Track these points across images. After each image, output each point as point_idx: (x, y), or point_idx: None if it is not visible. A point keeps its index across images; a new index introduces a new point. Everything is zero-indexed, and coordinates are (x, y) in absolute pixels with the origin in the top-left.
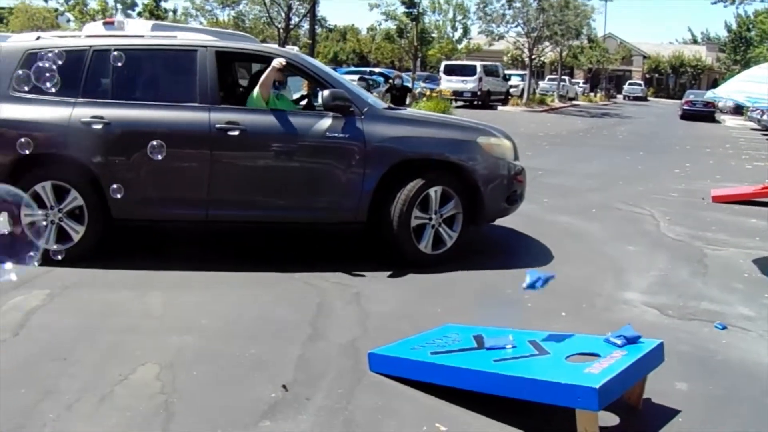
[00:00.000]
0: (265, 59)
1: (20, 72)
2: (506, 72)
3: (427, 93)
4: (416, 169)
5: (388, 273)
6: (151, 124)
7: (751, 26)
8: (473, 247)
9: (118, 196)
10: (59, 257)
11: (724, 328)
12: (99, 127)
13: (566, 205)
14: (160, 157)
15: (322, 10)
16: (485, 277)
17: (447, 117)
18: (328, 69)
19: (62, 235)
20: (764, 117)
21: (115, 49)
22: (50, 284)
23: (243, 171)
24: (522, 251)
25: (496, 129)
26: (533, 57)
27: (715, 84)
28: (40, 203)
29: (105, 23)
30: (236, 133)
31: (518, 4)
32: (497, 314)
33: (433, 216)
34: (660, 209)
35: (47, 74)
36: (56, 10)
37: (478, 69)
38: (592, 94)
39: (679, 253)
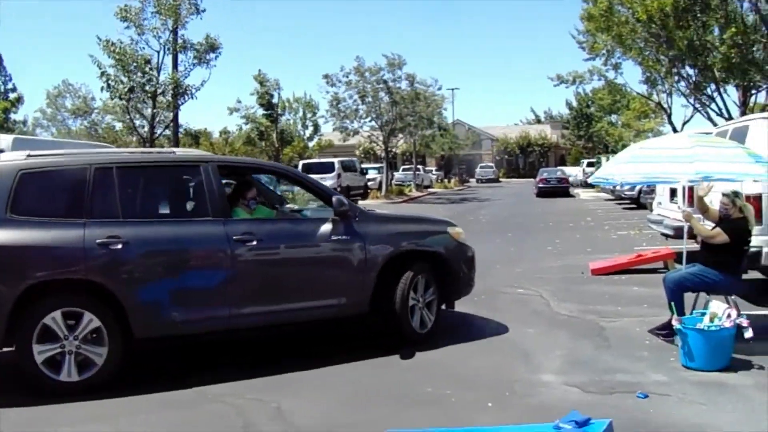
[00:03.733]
0: (261, 170)
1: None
2: (362, 166)
3: (290, 194)
4: (403, 261)
5: (296, 378)
6: (171, 240)
7: (590, 103)
8: (367, 343)
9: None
10: None
11: (646, 396)
12: (118, 247)
13: None
14: None
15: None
16: (391, 375)
17: (416, 214)
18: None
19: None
20: (617, 188)
21: (118, 167)
22: None
23: (262, 278)
24: (424, 352)
25: (449, 219)
26: (389, 149)
27: (563, 160)
28: (54, 334)
29: None
30: (254, 242)
31: (370, 99)
32: (425, 413)
33: (420, 299)
34: (545, 288)
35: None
36: None
37: (336, 165)
38: (446, 180)
39: (577, 330)
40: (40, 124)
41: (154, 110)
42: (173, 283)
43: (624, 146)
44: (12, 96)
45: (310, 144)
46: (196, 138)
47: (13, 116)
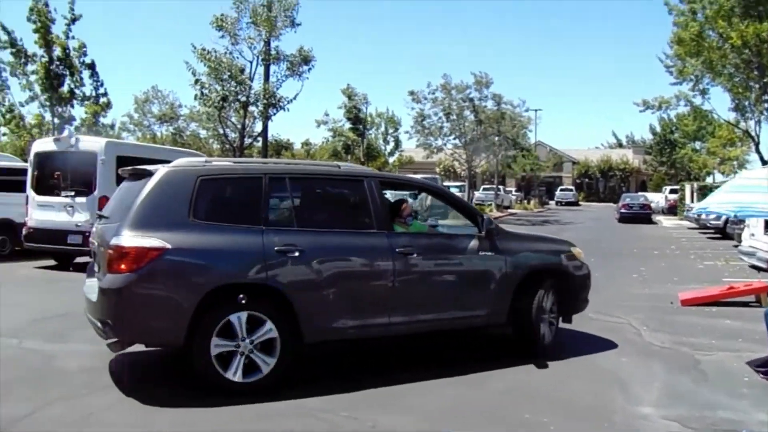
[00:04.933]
0: (413, 186)
1: (201, 198)
2: (444, 184)
3: None
4: (535, 276)
5: (393, 393)
6: (342, 249)
7: (674, 129)
8: (461, 357)
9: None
10: None
11: None
12: (295, 254)
13: None
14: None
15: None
16: (488, 395)
17: (541, 234)
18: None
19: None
20: (703, 216)
21: (290, 177)
22: None
23: (419, 288)
24: (523, 372)
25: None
26: (471, 168)
27: (644, 186)
28: (232, 334)
29: (56, 139)
30: (414, 255)
31: (454, 117)
32: None
33: (548, 314)
34: (634, 316)
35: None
36: None
37: None
38: (526, 201)
39: (672, 361)
40: (126, 128)
41: (245, 120)
42: (342, 290)
43: (708, 173)
44: (102, 100)
45: (391, 159)
46: (279, 149)
47: (102, 120)
